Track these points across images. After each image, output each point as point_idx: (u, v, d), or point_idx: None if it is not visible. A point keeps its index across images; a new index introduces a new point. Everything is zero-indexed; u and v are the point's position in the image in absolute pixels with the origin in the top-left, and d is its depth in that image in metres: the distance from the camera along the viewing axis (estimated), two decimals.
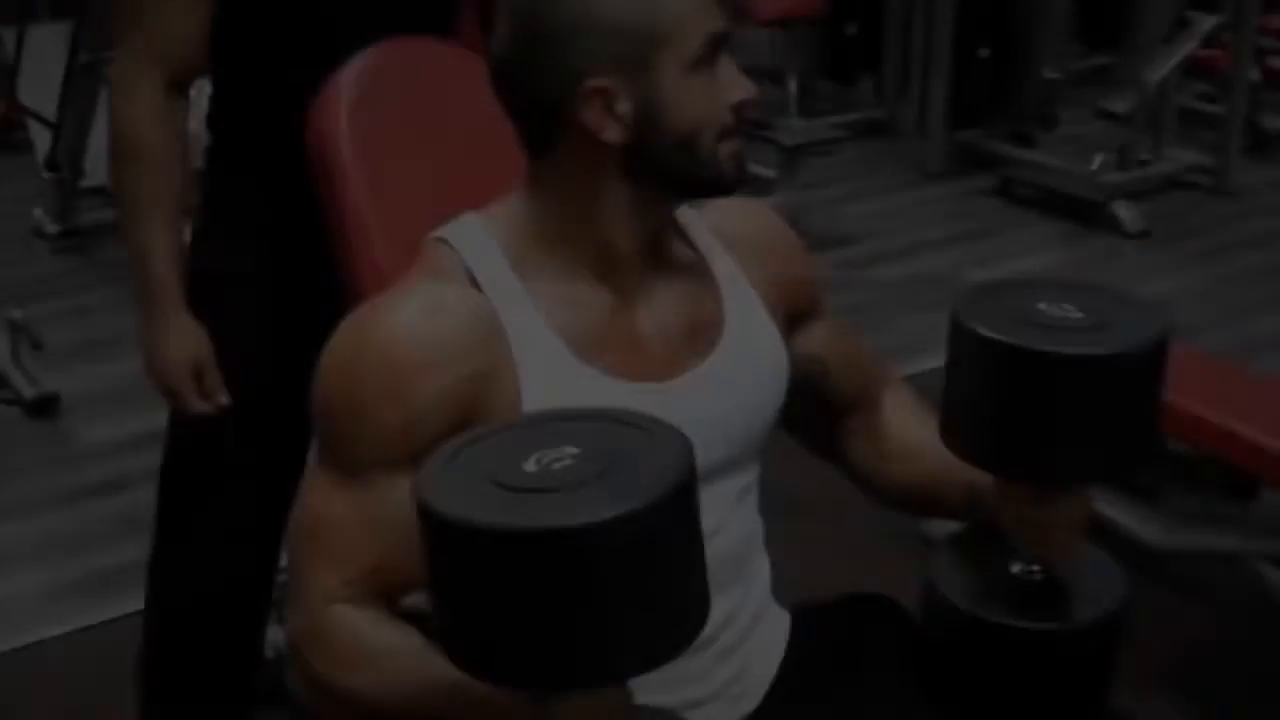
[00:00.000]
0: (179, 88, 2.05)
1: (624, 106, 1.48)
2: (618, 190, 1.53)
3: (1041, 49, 6.46)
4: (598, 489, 1.18)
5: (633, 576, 1.17)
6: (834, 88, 7.36)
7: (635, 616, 1.18)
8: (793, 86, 6.86)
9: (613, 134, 1.49)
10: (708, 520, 1.56)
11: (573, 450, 1.23)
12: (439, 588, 1.22)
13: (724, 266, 1.66)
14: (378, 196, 1.90)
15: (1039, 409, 1.46)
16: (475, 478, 1.21)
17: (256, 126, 2.14)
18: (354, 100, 1.92)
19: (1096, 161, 5.88)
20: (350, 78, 1.93)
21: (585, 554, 1.15)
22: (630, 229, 1.55)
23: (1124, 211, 5.70)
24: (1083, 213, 5.81)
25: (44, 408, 4.23)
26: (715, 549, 1.57)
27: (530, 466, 1.22)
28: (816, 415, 1.80)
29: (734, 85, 1.51)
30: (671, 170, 1.52)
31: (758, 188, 5.63)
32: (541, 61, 1.49)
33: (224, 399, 2.12)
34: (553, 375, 1.51)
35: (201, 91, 2.15)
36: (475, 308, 1.52)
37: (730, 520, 1.64)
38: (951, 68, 6.33)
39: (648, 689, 1.31)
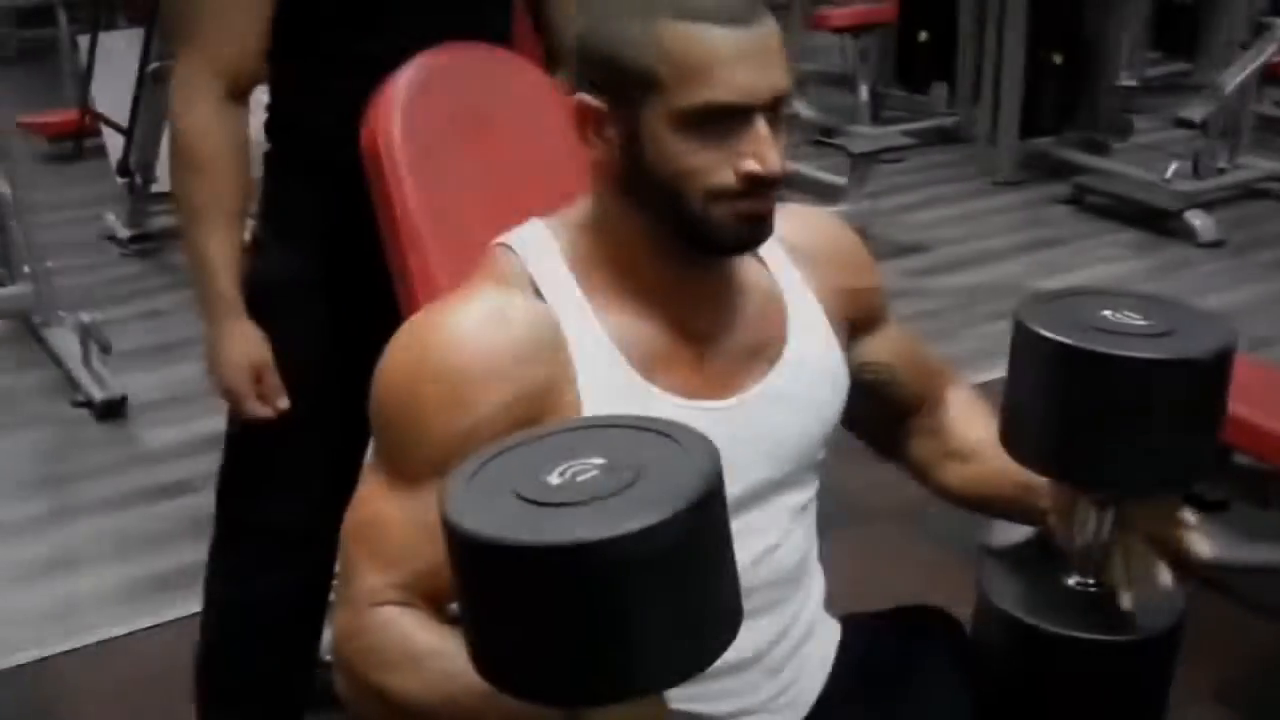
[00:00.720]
0: (238, 95, 2.05)
1: (611, 131, 1.47)
2: (629, 214, 1.51)
3: (1116, 55, 6.42)
4: (621, 502, 1.15)
5: (655, 591, 1.14)
6: (905, 95, 7.34)
7: (660, 631, 1.15)
8: (864, 93, 6.87)
9: (599, 153, 1.49)
10: (767, 537, 1.58)
11: (598, 461, 1.21)
12: (462, 601, 1.21)
13: (789, 279, 1.65)
14: (431, 202, 1.89)
15: (1096, 414, 1.44)
16: (498, 490, 1.19)
17: (314, 132, 2.14)
18: (408, 105, 1.91)
19: (1171, 170, 5.84)
20: (404, 82, 1.93)
21: (605, 569, 1.12)
22: (655, 255, 1.53)
23: (1198, 221, 5.64)
24: (1156, 222, 5.76)
25: (112, 410, 4.27)
26: (773, 566, 1.59)
27: (554, 479, 1.19)
28: (881, 416, 1.80)
29: (748, 155, 1.43)
30: (661, 211, 1.48)
31: (827, 195, 5.62)
32: (569, 66, 1.52)
33: (283, 403, 2.12)
34: (613, 392, 1.50)
35: (260, 98, 2.16)
36: (538, 318, 1.51)
37: (789, 536, 1.63)
38: (1024, 74, 6.29)
39: (690, 700, 1.30)
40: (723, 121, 1.42)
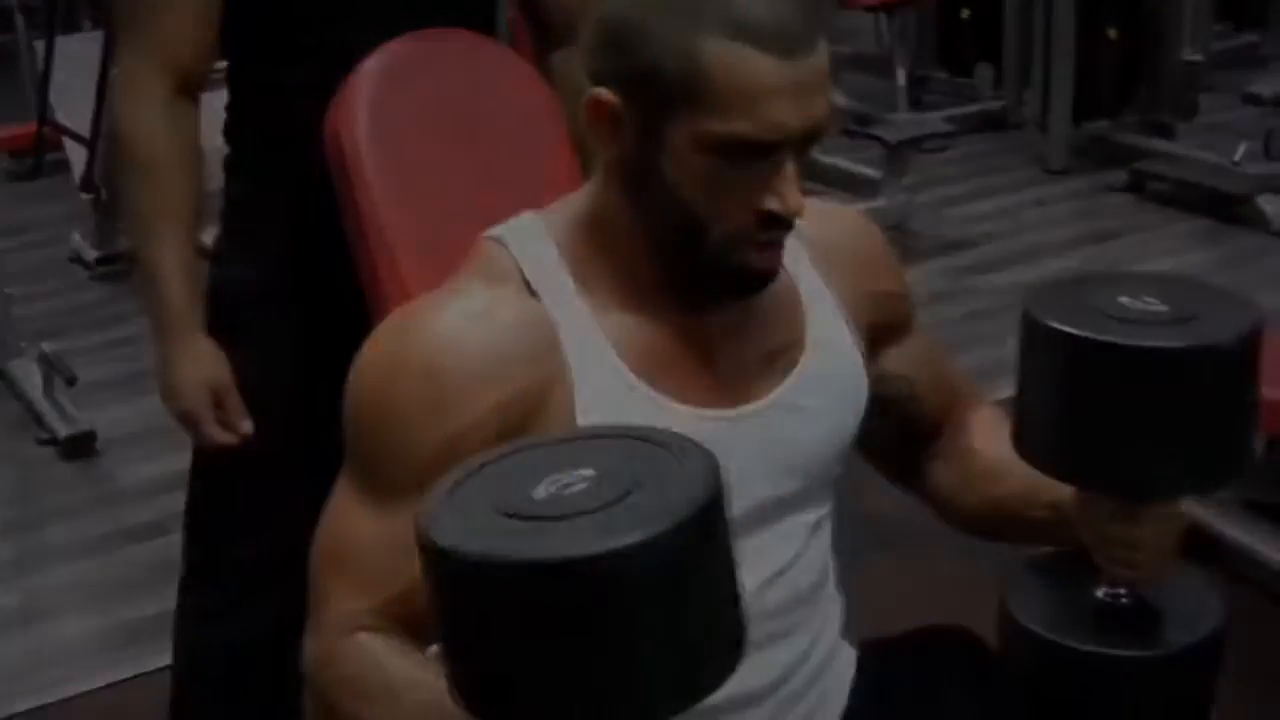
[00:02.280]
0: (188, 92, 2.06)
1: (627, 133, 1.47)
2: (634, 216, 1.52)
3: (1178, 28, 6.40)
4: (611, 516, 1.16)
5: (650, 612, 1.14)
6: (947, 78, 7.34)
7: (654, 657, 1.16)
8: (901, 77, 6.86)
9: (611, 152, 1.50)
10: (779, 557, 1.60)
11: (588, 473, 1.22)
12: (439, 625, 1.22)
13: (810, 280, 1.66)
14: (400, 201, 1.91)
15: (1113, 410, 1.45)
16: (478, 505, 1.20)
17: (277, 132, 2.14)
18: (374, 97, 1.93)
19: (1240, 152, 5.82)
20: (370, 73, 1.94)
21: (593, 588, 1.13)
22: (658, 264, 1.54)
23: (1270, 206, 5.63)
24: (1224, 209, 5.75)
25: (79, 447, 4.29)
26: (786, 588, 1.61)
27: (540, 492, 1.20)
28: (899, 438, 1.81)
29: (769, 192, 1.46)
30: (672, 234, 1.50)
31: (861, 189, 5.64)
32: (584, 50, 1.51)
33: (247, 426, 2.12)
34: (610, 398, 1.51)
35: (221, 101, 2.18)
36: (530, 317, 1.52)
37: (802, 556, 1.64)
38: (1077, 51, 6.28)
39: None
40: (752, 150, 1.43)
